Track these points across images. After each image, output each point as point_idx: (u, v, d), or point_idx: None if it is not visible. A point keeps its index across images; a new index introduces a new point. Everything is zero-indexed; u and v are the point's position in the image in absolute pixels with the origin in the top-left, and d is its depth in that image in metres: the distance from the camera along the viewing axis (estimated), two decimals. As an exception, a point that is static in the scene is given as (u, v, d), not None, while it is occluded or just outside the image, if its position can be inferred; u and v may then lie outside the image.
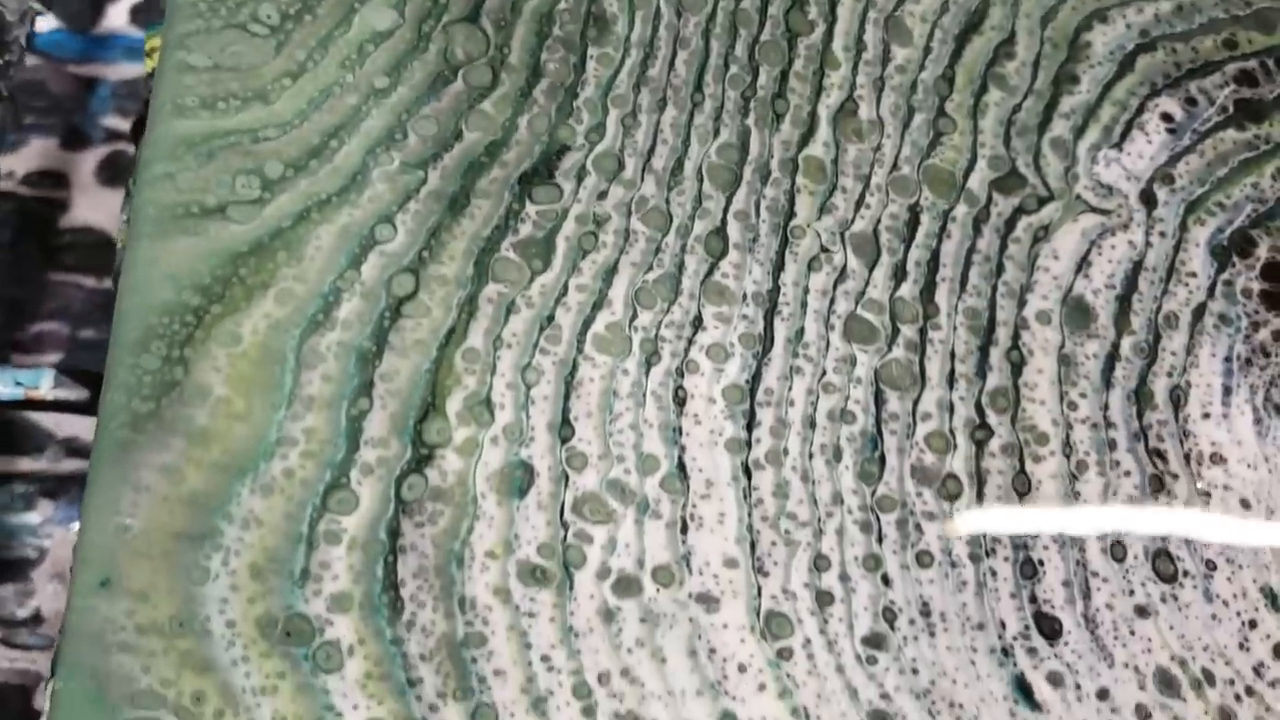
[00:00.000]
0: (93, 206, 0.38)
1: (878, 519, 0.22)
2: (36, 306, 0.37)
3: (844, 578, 0.22)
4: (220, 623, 0.20)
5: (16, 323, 0.37)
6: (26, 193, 0.39)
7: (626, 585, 0.21)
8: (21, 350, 0.36)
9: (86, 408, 0.24)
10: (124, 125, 0.39)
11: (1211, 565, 0.23)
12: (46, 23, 0.39)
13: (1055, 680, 0.22)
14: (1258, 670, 0.22)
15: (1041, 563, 0.22)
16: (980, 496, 0.23)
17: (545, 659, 0.21)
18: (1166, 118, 0.26)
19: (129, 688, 0.20)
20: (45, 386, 0.24)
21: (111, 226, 0.38)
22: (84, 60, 0.40)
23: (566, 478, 0.22)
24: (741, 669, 0.21)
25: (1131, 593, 0.22)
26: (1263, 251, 0.25)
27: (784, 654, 0.21)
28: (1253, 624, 0.22)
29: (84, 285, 0.37)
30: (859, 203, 0.24)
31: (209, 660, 0.20)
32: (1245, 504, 0.23)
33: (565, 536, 0.22)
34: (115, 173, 0.39)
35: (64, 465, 0.36)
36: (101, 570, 0.20)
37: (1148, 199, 0.25)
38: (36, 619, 0.35)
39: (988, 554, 0.22)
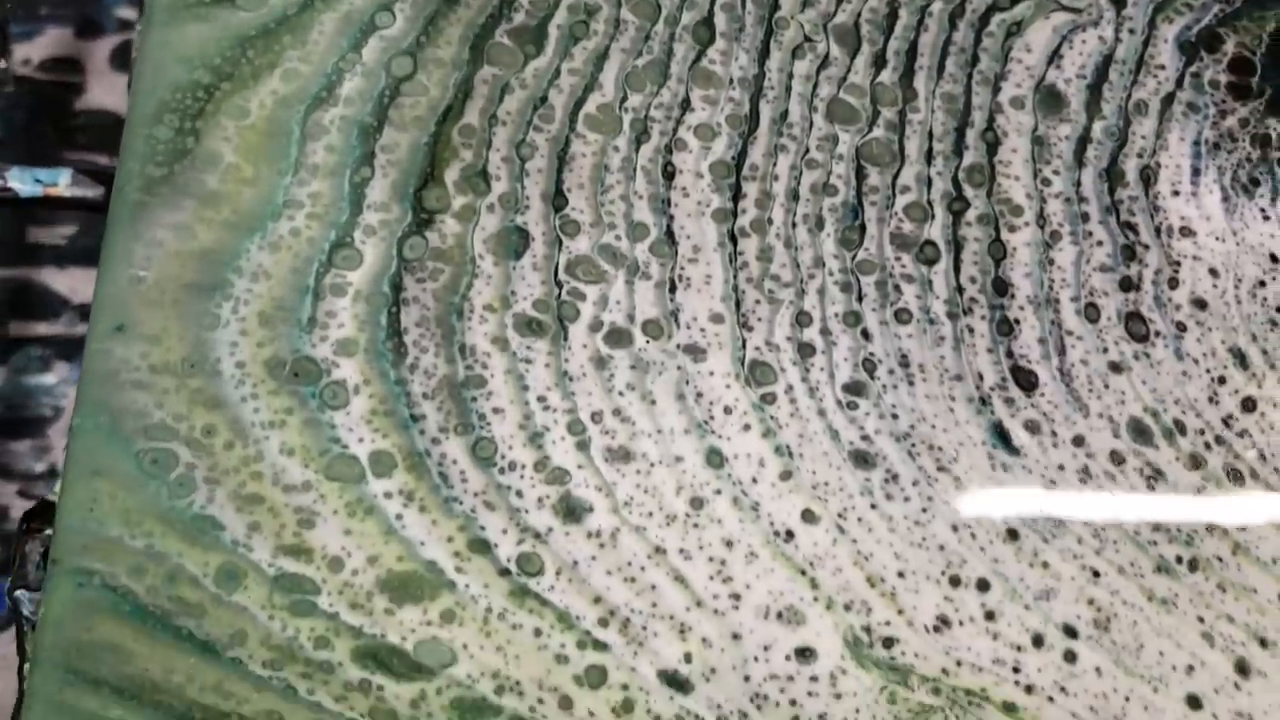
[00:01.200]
0: (106, 90, 0.40)
1: (858, 280, 0.23)
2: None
3: (825, 332, 0.23)
4: (230, 364, 0.21)
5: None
6: (42, 77, 0.41)
7: (618, 337, 0.22)
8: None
9: (102, 206, 0.25)
10: (135, 15, 0.40)
11: (1182, 327, 0.23)
12: (62, -85, 0.40)
13: (1032, 428, 0.22)
14: (1226, 422, 0.23)
15: (1018, 321, 0.23)
16: (958, 264, 0.23)
17: (541, 399, 0.22)
18: (1135, -73, 0.27)
19: (143, 422, 0.21)
20: (63, 183, 0.25)
21: (124, 108, 0.39)
22: (99, -52, 0.41)
23: (560, 242, 0.23)
24: (727, 411, 0.22)
25: (1105, 350, 0.23)
26: (1230, 47, 0.26)
27: (767, 399, 0.22)
28: (1221, 380, 0.23)
29: (98, 163, 0.39)
30: (837, 2, 0.25)
31: (219, 397, 0.21)
32: (1214, 272, 0.24)
33: (559, 294, 0.23)
34: (128, 59, 0.40)
35: (79, 329, 0.37)
36: (116, 317, 0.22)
37: (1117, 0, 0.26)
38: (53, 473, 0.36)
39: (965, 312, 0.23)
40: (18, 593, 0.22)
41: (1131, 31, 0.26)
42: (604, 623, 0.20)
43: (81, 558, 0.20)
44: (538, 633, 0.20)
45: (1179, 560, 0.22)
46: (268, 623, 0.20)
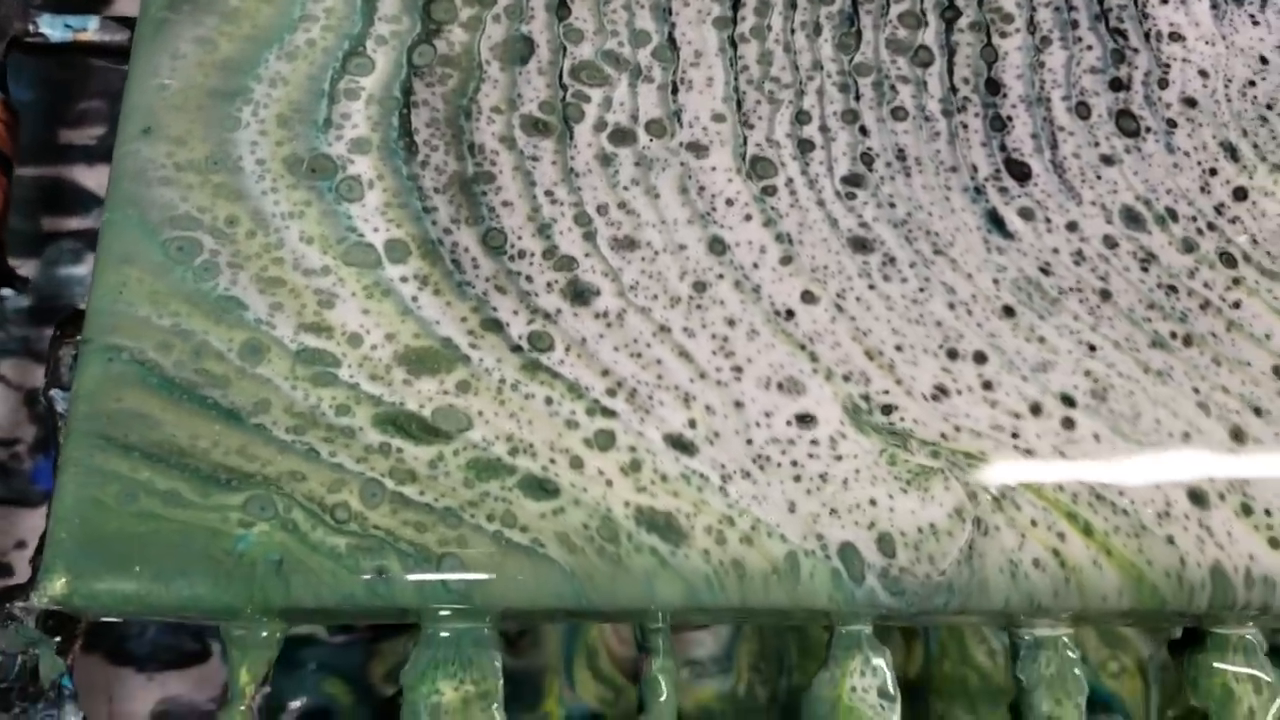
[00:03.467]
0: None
1: (855, 81, 0.24)
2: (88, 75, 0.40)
3: (824, 129, 0.23)
4: (251, 161, 0.22)
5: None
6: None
7: (622, 136, 0.23)
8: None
9: (128, 50, 0.26)
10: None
11: (1172, 123, 0.24)
12: None
13: (1026, 214, 0.23)
14: (1218, 209, 0.23)
15: (1010, 118, 0.24)
16: (951, 70, 0.24)
17: (549, 193, 0.23)
18: None
19: (169, 213, 0.22)
20: (92, 28, 0.26)
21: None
22: None
23: (564, 49, 0.24)
24: (729, 203, 0.23)
25: (1097, 144, 0.24)
26: None
27: (768, 190, 0.23)
28: (1213, 171, 0.24)
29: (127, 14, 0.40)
30: None
31: (241, 191, 0.22)
32: (1203, 73, 0.25)
33: (564, 96, 0.23)
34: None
35: (108, 222, 0.38)
36: (143, 120, 0.23)
37: None
38: (84, 357, 0.37)
39: (959, 110, 0.24)
40: (52, 392, 0.23)
41: None
42: (612, 393, 0.21)
43: (111, 335, 0.21)
44: (549, 401, 0.21)
45: (1173, 335, 0.22)
46: (290, 392, 0.21)
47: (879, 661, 0.22)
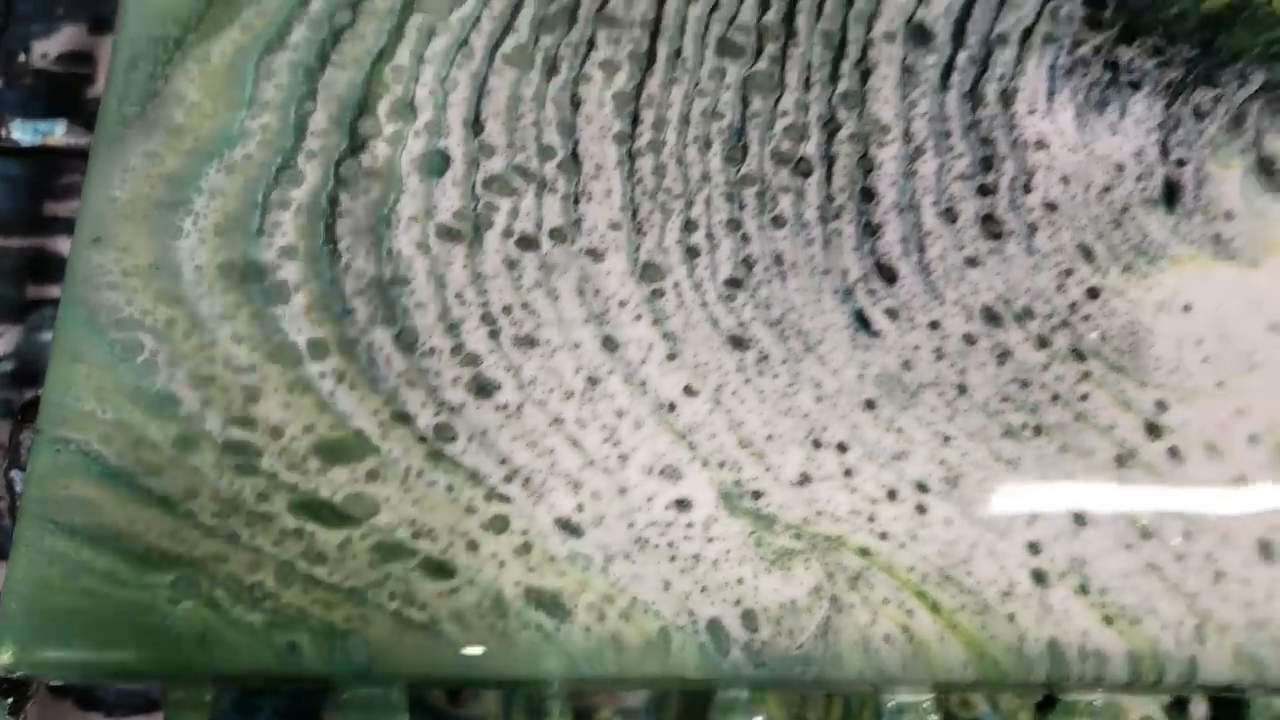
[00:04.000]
0: (116, 79, 0.44)
1: (739, 192, 0.26)
2: (65, 162, 0.42)
3: (709, 236, 0.26)
4: (190, 268, 0.25)
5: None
6: (58, 69, 0.45)
7: (527, 242, 0.26)
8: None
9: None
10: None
11: (1034, 227, 0.26)
12: (76, -79, 0.45)
13: (892, 314, 0.25)
14: (1072, 307, 0.26)
15: (881, 224, 0.26)
16: (830, 178, 0.27)
17: (458, 295, 0.25)
18: (1004, -116, 0.30)
19: (115, 315, 0.24)
20: (59, 133, 0.29)
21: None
22: (108, -44, 0.45)
23: (478, 162, 0.26)
24: (621, 304, 0.25)
25: (962, 247, 0.26)
26: (1086, -15, 0.29)
27: (657, 293, 0.25)
28: (1069, 272, 0.26)
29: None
30: (732, -48, 0.28)
31: (180, 295, 0.25)
32: (1065, 180, 0.27)
33: (476, 206, 0.26)
34: (135, 50, 0.44)
35: (89, 289, 0.40)
36: (95, 229, 0.25)
37: (985, -54, 0.29)
38: (65, 417, 0.39)
39: (834, 217, 0.26)
40: (12, 473, 0.26)
41: (996, -27, 0.29)
42: (508, 479, 0.24)
43: (60, 428, 0.24)
44: (450, 488, 0.23)
45: (1024, 426, 0.25)
46: (217, 481, 0.23)
47: (753, 723, 0.24)
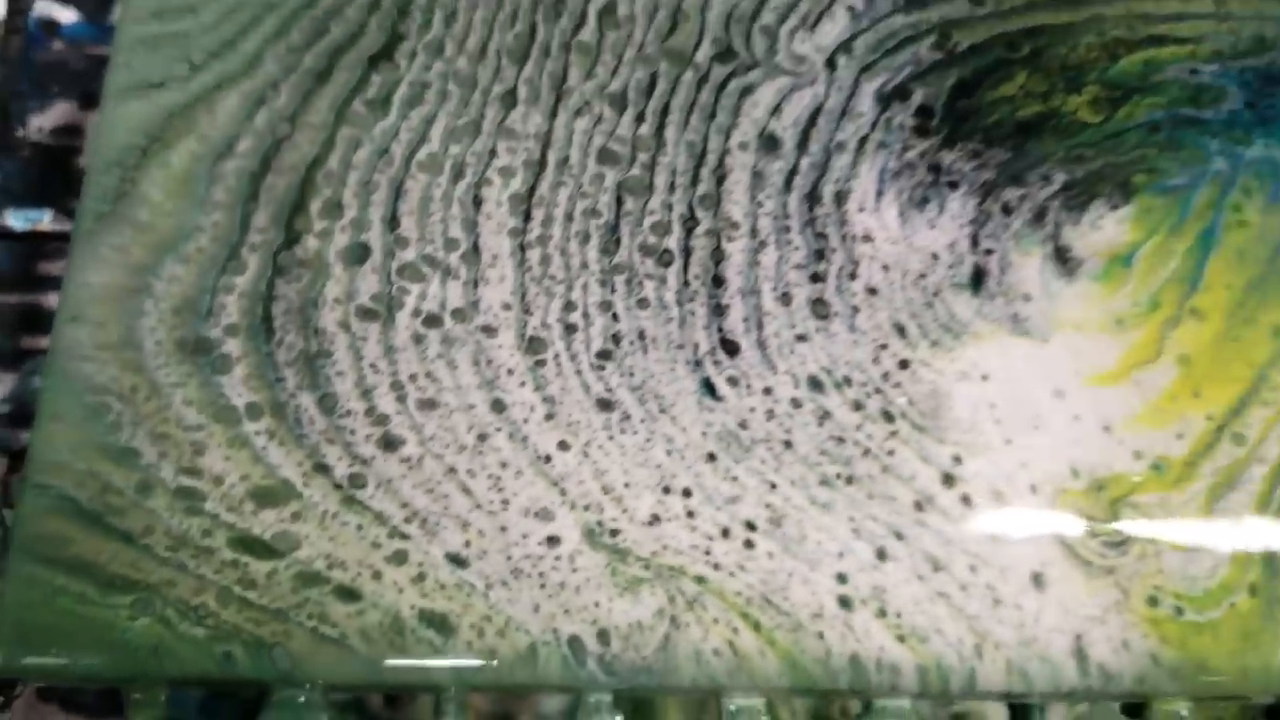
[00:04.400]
0: (104, 153, 0.49)
1: (611, 278, 0.32)
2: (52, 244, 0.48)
3: (585, 315, 0.31)
4: (151, 343, 0.30)
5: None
6: (51, 142, 0.50)
7: (432, 320, 0.31)
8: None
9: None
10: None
11: (856, 308, 0.32)
12: (70, 16, 0.50)
13: (733, 382, 0.31)
14: (884, 377, 0.31)
15: (728, 306, 0.31)
16: (687, 267, 0.32)
17: (372, 365, 0.30)
18: (851, 9, 0.35)
19: (89, 382, 0.30)
20: (46, 220, 0.34)
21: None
22: (97, 43, 0.51)
23: (393, 253, 0.32)
24: (509, 372, 0.30)
25: (794, 326, 0.31)
26: (916, 98, 0.34)
27: (540, 363, 0.30)
28: (884, 347, 0.31)
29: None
30: (613, 73, 0.34)
31: (142, 366, 0.30)
32: (886, 268, 0.32)
33: (390, 290, 0.31)
34: (121, 127, 0.49)
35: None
36: (73, 310, 0.30)
37: (830, 64, 0.34)
38: (54, 456, 0.45)
39: (689, 300, 0.31)
40: (4, 510, 0.31)
41: (839, 89, 0.34)
42: (408, 520, 0.29)
43: (42, 475, 0.29)
44: (359, 528, 0.29)
45: (838, 476, 0.30)
46: (169, 520, 0.28)
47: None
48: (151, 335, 0.30)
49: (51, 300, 0.46)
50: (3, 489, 0.31)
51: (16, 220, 0.35)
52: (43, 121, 0.51)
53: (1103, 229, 0.33)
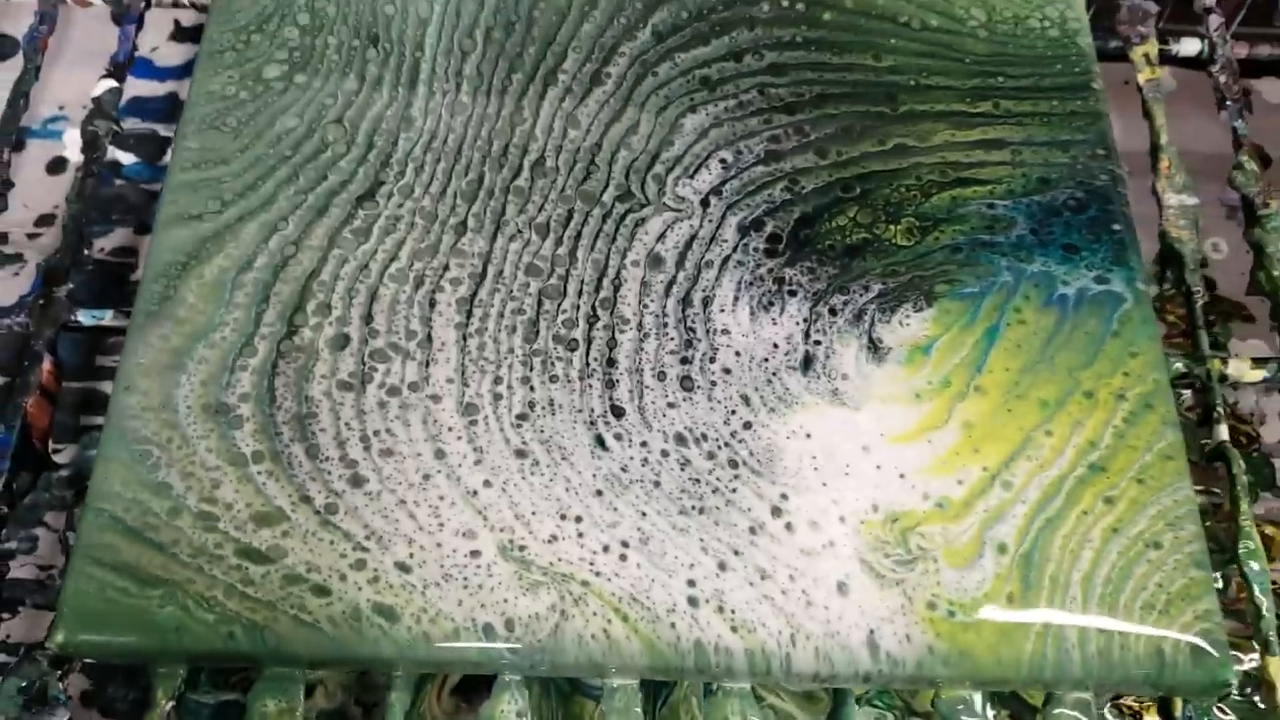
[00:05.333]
0: (152, 269, 0.60)
1: (530, 360, 0.42)
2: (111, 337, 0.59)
3: (509, 388, 0.41)
4: (184, 407, 0.41)
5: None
6: (111, 260, 0.62)
7: (393, 390, 0.41)
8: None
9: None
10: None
11: (714, 383, 0.42)
12: (129, 158, 0.63)
13: (618, 437, 0.41)
14: (732, 434, 0.41)
15: (618, 381, 0.42)
16: (588, 352, 0.42)
17: (347, 424, 0.41)
18: (723, 161, 0.46)
19: (135, 435, 0.40)
20: (108, 318, 0.45)
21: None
22: (151, 181, 0.63)
23: (367, 341, 0.42)
24: (449, 429, 0.41)
25: (667, 396, 0.41)
26: (768, 228, 0.45)
27: (473, 423, 0.41)
28: (734, 412, 0.41)
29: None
30: (540, 208, 0.45)
31: (176, 423, 0.40)
32: (738, 354, 0.42)
33: (364, 369, 0.42)
34: (167, 249, 0.61)
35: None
36: (126, 382, 0.41)
37: (705, 203, 0.45)
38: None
39: (589, 376, 0.42)
40: (68, 532, 0.41)
41: (710, 221, 0.45)
42: (368, 538, 0.39)
43: (99, 502, 0.39)
44: (332, 543, 0.39)
45: (693, 508, 0.39)
46: (192, 534, 0.38)
47: (519, 696, 0.38)
48: (184, 401, 0.41)
49: (105, 387, 0.57)
50: (67, 521, 0.41)
51: (85, 318, 0.46)
52: (105, 243, 0.63)
53: (909, 326, 0.43)
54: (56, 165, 0.65)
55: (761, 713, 0.43)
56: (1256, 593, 0.42)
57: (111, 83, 0.51)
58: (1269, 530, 0.58)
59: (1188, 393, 0.48)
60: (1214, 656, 0.38)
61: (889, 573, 0.39)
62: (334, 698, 0.50)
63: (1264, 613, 0.41)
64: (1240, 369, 0.47)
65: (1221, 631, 0.38)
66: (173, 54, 0.69)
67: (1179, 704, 0.41)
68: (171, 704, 0.39)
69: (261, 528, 0.38)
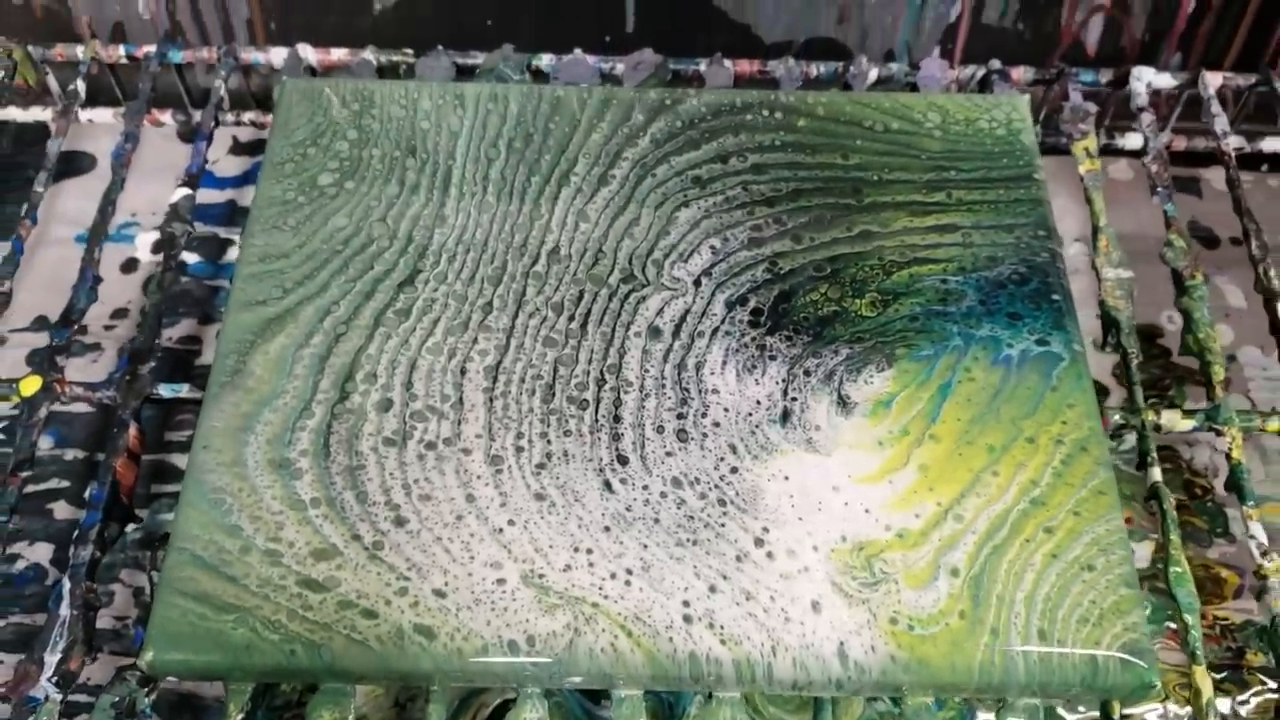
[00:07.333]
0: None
1: (547, 418, 0.49)
2: (183, 407, 0.66)
3: (529, 441, 0.48)
4: (252, 462, 0.48)
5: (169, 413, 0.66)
6: (179, 348, 0.70)
7: (430, 445, 0.48)
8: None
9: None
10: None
11: (705, 434, 0.49)
12: (194, 258, 0.71)
13: (624, 482, 0.47)
14: (721, 478, 0.48)
15: (622, 435, 0.49)
16: (597, 410, 0.49)
17: (390, 474, 0.48)
18: (712, 247, 0.54)
19: (211, 485, 0.47)
20: (184, 390, 0.53)
21: (223, 364, 0.67)
22: (214, 277, 0.72)
23: (408, 404, 0.49)
24: (478, 477, 0.48)
25: (665, 446, 0.48)
26: (751, 303, 0.52)
27: (498, 471, 0.48)
28: (722, 459, 0.48)
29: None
30: (556, 289, 0.52)
31: (245, 475, 0.47)
32: (727, 410, 0.49)
33: (405, 427, 0.49)
34: (227, 336, 0.68)
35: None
36: (204, 442, 0.48)
37: (697, 283, 0.53)
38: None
39: (598, 430, 0.49)
40: (152, 572, 0.48)
41: (701, 297, 0.52)
42: (409, 569, 0.45)
43: (181, 542, 0.46)
44: (379, 574, 0.45)
45: (688, 540, 0.46)
46: (259, 567, 0.45)
47: (539, 706, 0.45)
48: (252, 456, 0.48)
49: (175, 458, 0.65)
50: (150, 562, 0.47)
51: (165, 390, 0.53)
52: (173, 332, 0.70)
53: (873, 383, 0.50)
54: (129, 265, 0.73)
55: (754, 723, 0.49)
56: (1183, 612, 0.47)
57: (187, 190, 0.59)
58: (1224, 573, 0.64)
59: (1131, 436, 0.54)
60: (1140, 664, 0.44)
61: (856, 593, 0.45)
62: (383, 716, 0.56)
63: (1190, 629, 0.47)
64: (1172, 419, 0.53)
65: (1147, 641, 0.44)
66: (231, 166, 0.78)
67: (1116, 706, 0.46)
68: (242, 716, 0.45)
69: (319, 561, 0.45)
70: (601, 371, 0.50)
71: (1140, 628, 0.44)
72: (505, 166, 0.56)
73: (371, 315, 0.51)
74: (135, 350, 0.53)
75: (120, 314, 0.71)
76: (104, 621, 0.59)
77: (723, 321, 0.51)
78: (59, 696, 0.45)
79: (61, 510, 0.64)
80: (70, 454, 0.66)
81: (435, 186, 0.55)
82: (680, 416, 0.49)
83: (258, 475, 0.47)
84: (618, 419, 0.49)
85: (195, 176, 0.59)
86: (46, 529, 0.63)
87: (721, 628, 0.44)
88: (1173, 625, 0.57)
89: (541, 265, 0.53)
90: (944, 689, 0.44)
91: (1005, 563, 0.46)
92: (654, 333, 0.51)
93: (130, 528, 0.55)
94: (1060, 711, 0.56)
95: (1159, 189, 0.59)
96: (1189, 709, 0.46)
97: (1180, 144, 0.69)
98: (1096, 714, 0.51)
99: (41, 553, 0.62)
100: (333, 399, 0.49)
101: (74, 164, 0.77)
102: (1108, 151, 0.68)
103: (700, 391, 0.49)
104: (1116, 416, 0.53)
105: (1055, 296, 0.53)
